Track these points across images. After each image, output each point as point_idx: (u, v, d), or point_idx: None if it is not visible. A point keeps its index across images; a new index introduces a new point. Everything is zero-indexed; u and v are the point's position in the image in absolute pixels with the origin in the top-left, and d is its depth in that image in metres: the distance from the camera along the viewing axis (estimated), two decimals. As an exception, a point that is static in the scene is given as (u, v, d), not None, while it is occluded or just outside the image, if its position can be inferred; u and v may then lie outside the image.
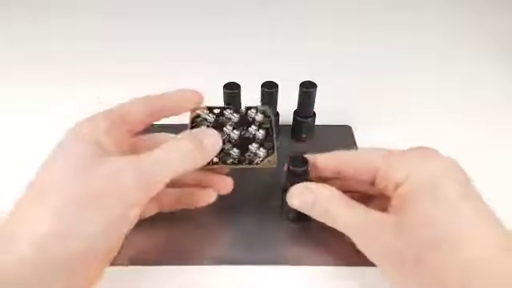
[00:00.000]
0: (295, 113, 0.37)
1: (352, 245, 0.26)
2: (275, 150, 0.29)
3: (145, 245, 0.30)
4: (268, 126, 0.31)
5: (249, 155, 0.29)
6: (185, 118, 0.34)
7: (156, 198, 0.26)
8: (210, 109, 0.32)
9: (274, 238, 0.31)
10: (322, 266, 0.29)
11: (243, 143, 0.30)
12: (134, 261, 0.29)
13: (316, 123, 0.40)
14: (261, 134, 0.30)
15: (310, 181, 0.29)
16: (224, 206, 0.32)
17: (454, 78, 0.48)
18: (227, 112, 0.32)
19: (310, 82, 0.35)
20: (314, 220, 0.28)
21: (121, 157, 0.24)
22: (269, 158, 0.29)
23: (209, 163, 0.29)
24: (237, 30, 0.56)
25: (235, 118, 0.32)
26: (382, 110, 0.43)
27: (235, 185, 0.33)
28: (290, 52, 0.52)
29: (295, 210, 0.30)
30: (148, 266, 0.29)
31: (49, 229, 0.21)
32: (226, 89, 0.34)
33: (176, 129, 0.36)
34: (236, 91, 0.34)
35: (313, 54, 0.52)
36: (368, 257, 0.26)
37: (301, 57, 0.51)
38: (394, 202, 0.25)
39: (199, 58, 0.51)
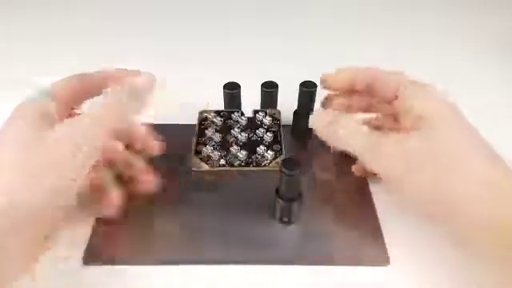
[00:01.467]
0: (295, 112, 0.37)
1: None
2: (283, 152, 0.29)
3: (143, 245, 0.30)
4: (276, 128, 0.31)
5: (256, 157, 0.29)
6: (190, 119, 0.34)
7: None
8: (218, 112, 0.32)
9: (271, 238, 0.31)
10: (321, 266, 0.29)
11: (251, 146, 0.30)
12: (132, 261, 0.29)
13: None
14: (269, 136, 0.30)
15: (300, 183, 0.29)
16: (222, 206, 0.32)
17: (453, 78, 0.48)
18: (235, 115, 0.32)
19: (311, 81, 0.35)
20: (312, 220, 0.28)
21: (59, 125, 0.25)
22: (277, 160, 0.29)
23: (216, 165, 0.29)
24: (237, 30, 0.56)
25: (243, 120, 0.32)
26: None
27: (233, 185, 0.33)
28: (289, 52, 0.52)
29: (288, 212, 0.30)
30: (146, 266, 0.29)
31: None
32: (226, 89, 0.34)
33: (181, 128, 0.36)
34: (236, 91, 0.34)
35: (313, 54, 0.52)
36: (375, 170, 0.27)
37: (301, 57, 0.51)
38: (406, 123, 0.27)
39: (199, 58, 0.51)
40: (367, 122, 0.32)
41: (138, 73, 0.29)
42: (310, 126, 0.31)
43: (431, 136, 0.26)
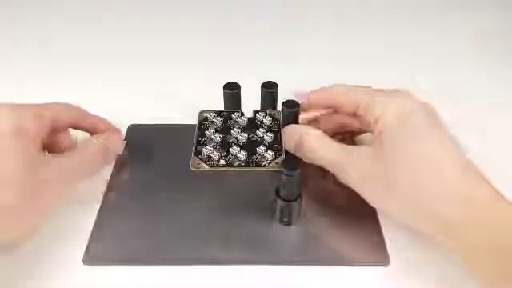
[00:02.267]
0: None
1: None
2: (283, 152, 0.29)
3: (143, 245, 0.30)
4: (276, 129, 0.31)
5: (256, 158, 0.29)
6: (190, 119, 0.34)
7: None
8: (218, 112, 0.32)
9: (271, 238, 0.31)
10: (321, 266, 0.29)
11: (251, 146, 0.30)
12: (132, 261, 0.29)
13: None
14: (269, 136, 0.30)
15: (302, 185, 0.29)
16: (222, 206, 0.32)
17: (453, 78, 0.48)
18: (235, 115, 0.32)
19: (292, 101, 0.34)
20: (312, 220, 0.28)
21: (54, 164, 0.28)
22: (277, 160, 0.29)
23: (216, 166, 0.29)
24: (237, 30, 0.56)
25: (243, 121, 0.32)
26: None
27: (233, 185, 0.33)
28: (289, 52, 0.52)
29: (288, 213, 0.30)
30: (146, 266, 0.29)
31: None
32: (226, 89, 0.34)
33: (181, 129, 0.36)
34: (236, 91, 0.34)
35: (313, 54, 0.52)
36: (351, 186, 0.28)
37: (301, 57, 0.51)
38: (374, 135, 0.28)
39: (199, 58, 0.51)
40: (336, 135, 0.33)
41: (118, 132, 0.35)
42: (282, 141, 0.32)
43: (388, 149, 0.26)
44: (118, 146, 0.34)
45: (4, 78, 0.47)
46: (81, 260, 0.29)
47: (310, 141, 0.29)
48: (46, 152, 0.30)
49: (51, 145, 0.31)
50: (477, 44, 0.54)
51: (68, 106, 0.32)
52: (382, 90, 0.31)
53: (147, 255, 0.29)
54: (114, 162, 0.35)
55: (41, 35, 0.55)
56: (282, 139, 0.31)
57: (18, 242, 0.29)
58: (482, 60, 0.51)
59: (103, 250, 0.30)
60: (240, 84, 0.35)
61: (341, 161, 0.28)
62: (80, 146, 0.32)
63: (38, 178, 0.26)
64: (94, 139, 0.32)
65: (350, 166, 0.28)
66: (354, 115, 0.30)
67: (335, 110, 0.33)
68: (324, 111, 0.34)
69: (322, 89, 0.32)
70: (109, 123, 0.35)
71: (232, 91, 0.34)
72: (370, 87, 0.32)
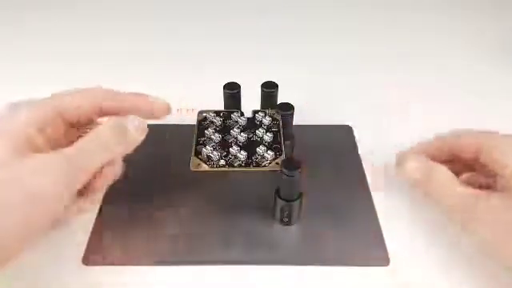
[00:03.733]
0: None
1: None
2: (283, 152, 0.29)
3: (143, 245, 0.30)
4: (276, 129, 0.31)
5: (256, 158, 0.29)
6: (190, 119, 0.34)
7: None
8: (217, 112, 0.32)
9: (271, 238, 0.31)
10: (321, 266, 0.29)
11: (251, 146, 0.30)
12: (132, 261, 0.29)
13: (316, 123, 0.40)
14: (268, 136, 0.30)
15: (302, 184, 0.29)
16: (222, 206, 0.32)
17: (454, 78, 0.48)
18: (234, 115, 0.32)
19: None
20: (312, 220, 0.28)
21: (47, 152, 0.23)
22: (277, 160, 0.29)
23: (216, 166, 0.29)
24: (237, 31, 0.56)
25: (242, 121, 0.32)
26: (382, 109, 0.43)
27: (233, 185, 0.33)
28: (290, 52, 0.52)
29: (288, 213, 0.30)
30: (146, 266, 0.29)
31: None
32: (226, 89, 0.34)
33: (181, 129, 0.36)
34: (236, 91, 0.34)
35: (313, 54, 0.52)
36: (477, 233, 0.26)
37: (301, 57, 0.51)
38: (501, 180, 0.26)
39: (199, 58, 0.51)
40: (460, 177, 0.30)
41: (165, 107, 0.29)
42: (396, 166, 0.31)
43: None
44: (142, 125, 0.27)
45: (4, 78, 0.47)
46: (81, 260, 0.29)
47: (438, 179, 0.28)
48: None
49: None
50: (477, 44, 0.54)
51: (83, 91, 0.27)
52: (495, 133, 0.29)
53: (147, 255, 0.29)
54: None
55: (40, 34, 0.55)
56: (403, 167, 0.30)
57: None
58: (482, 60, 0.51)
59: (103, 250, 0.30)
60: (240, 84, 0.35)
61: (470, 206, 0.26)
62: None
63: (19, 172, 0.22)
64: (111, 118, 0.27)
65: (480, 213, 0.26)
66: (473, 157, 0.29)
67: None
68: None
69: (439, 139, 0.31)
70: (153, 100, 0.29)
71: (232, 91, 0.34)
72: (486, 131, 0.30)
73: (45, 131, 0.25)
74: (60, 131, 0.26)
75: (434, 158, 0.30)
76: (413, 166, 0.30)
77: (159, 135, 0.38)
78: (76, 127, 0.28)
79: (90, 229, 0.31)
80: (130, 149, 0.27)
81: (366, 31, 0.57)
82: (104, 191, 0.28)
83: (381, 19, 0.59)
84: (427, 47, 0.53)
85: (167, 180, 0.34)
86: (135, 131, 0.27)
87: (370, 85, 0.47)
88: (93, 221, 0.31)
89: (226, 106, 0.35)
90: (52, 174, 0.23)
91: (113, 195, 0.33)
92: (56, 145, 0.25)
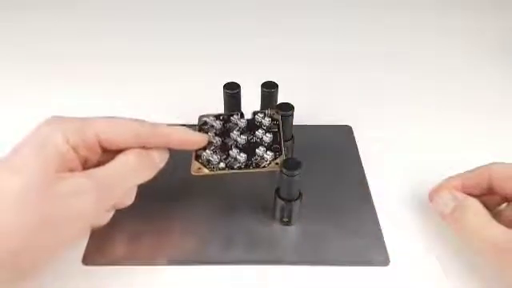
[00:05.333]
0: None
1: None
2: (283, 153, 0.29)
3: (143, 245, 0.30)
4: (276, 129, 0.31)
5: (255, 159, 0.29)
6: (190, 119, 0.34)
7: None
8: (217, 116, 0.32)
9: (271, 238, 0.31)
10: (321, 266, 0.29)
11: (250, 147, 0.30)
12: (132, 261, 0.29)
13: (316, 123, 0.40)
14: (268, 137, 0.30)
15: (301, 184, 0.29)
16: (222, 206, 0.32)
17: (454, 78, 0.48)
18: (234, 118, 0.32)
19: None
20: (312, 220, 0.28)
21: (79, 174, 0.24)
22: (276, 161, 0.29)
23: (216, 169, 0.29)
24: (237, 30, 0.56)
25: (242, 123, 0.32)
26: (382, 109, 0.43)
27: (233, 186, 0.33)
28: (289, 52, 0.52)
29: (288, 213, 0.30)
30: (146, 266, 0.29)
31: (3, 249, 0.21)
32: (226, 89, 0.34)
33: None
34: (236, 91, 0.34)
35: (313, 54, 0.52)
36: (505, 278, 0.25)
37: (301, 57, 0.51)
38: None
39: (199, 58, 0.51)
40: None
41: (200, 140, 0.29)
42: (430, 201, 0.29)
43: None
44: (163, 155, 0.28)
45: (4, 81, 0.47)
46: (81, 260, 0.29)
47: (467, 217, 0.26)
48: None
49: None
50: (477, 44, 0.54)
51: (125, 122, 0.26)
52: None
53: (147, 255, 0.29)
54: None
55: (40, 34, 0.55)
56: (434, 201, 0.29)
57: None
58: (482, 60, 0.51)
59: (103, 250, 0.30)
60: (240, 84, 0.35)
61: (507, 251, 0.24)
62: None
63: (48, 194, 0.22)
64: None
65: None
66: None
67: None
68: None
69: (462, 177, 0.29)
70: (191, 135, 0.29)
71: (232, 91, 0.34)
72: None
73: (81, 152, 0.25)
74: (95, 155, 0.26)
75: (470, 192, 0.29)
76: (443, 200, 0.28)
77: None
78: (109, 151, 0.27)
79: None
80: (152, 175, 0.28)
81: (366, 31, 0.57)
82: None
83: (381, 19, 0.59)
84: (427, 47, 0.53)
85: (167, 180, 0.34)
86: (159, 159, 0.27)
87: (370, 85, 0.47)
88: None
89: (226, 105, 0.35)
90: (86, 196, 0.23)
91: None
92: (87, 164, 0.26)
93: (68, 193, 0.23)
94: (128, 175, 0.26)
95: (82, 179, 0.23)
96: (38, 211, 0.21)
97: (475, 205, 0.27)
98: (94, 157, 0.26)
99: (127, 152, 0.26)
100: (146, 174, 0.27)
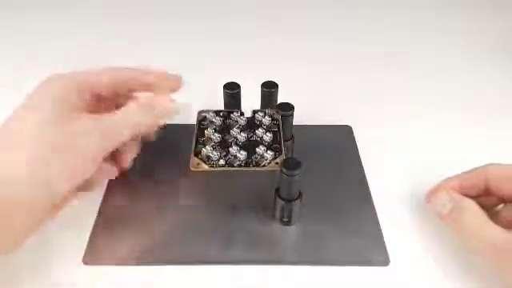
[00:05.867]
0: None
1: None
2: (283, 152, 0.29)
3: (143, 245, 0.30)
4: (276, 129, 0.31)
5: (256, 157, 0.29)
6: (190, 119, 0.34)
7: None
8: (217, 112, 0.32)
9: (271, 238, 0.31)
10: (321, 266, 0.29)
11: (250, 146, 0.30)
12: (132, 261, 0.29)
13: (316, 123, 0.40)
14: (268, 136, 0.30)
15: (301, 184, 0.29)
16: (222, 206, 0.32)
17: (454, 78, 0.48)
18: (234, 115, 0.32)
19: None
20: (312, 220, 0.28)
21: (87, 117, 0.27)
22: (276, 160, 0.29)
23: (216, 166, 0.29)
24: (237, 30, 0.56)
25: (242, 120, 0.32)
26: (382, 109, 0.43)
27: (233, 185, 0.33)
28: (289, 52, 0.52)
29: (288, 212, 0.30)
30: (146, 266, 0.29)
31: (20, 174, 0.24)
32: (226, 89, 0.34)
33: (181, 129, 0.36)
34: (236, 91, 0.34)
35: (313, 54, 0.52)
36: (504, 279, 0.25)
37: (301, 57, 0.51)
38: None
39: (199, 58, 0.51)
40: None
41: (176, 82, 0.32)
42: (427, 203, 0.29)
43: None
44: (166, 106, 0.30)
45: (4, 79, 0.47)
46: (81, 260, 0.29)
47: (465, 218, 0.27)
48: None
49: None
50: (477, 44, 0.54)
51: (103, 70, 0.31)
52: None
53: (147, 255, 0.29)
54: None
55: (40, 34, 0.55)
56: (431, 202, 0.29)
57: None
58: (482, 60, 0.51)
59: (103, 249, 0.30)
60: (240, 84, 0.35)
61: (505, 252, 0.24)
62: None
63: (66, 130, 0.26)
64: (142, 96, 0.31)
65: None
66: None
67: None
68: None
69: (459, 178, 0.30)
70: (176, 80, 0.32)
71: (232, 91, 0.34)
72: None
73: (84, 98, 0.29)
74: (88, 100, 0.29)
75: (467, 193, 0.29)
76: (441, 200, 0.28)
77: (159, 135, 0.38)
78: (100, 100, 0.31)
79: (90, 229, 0.31)
80: (151, 124, 0.31)
81: (366, 31, 0.57)
82: (130, 164, 0.32)
83: (381, 19, 0.59)
84: (427, 47, 0.53)
85: (167, 180, 0.34)
86: (159, 110, 0.30)
87: (370, 85, 0.47)
88: (93, 221, 0.31)
89: (226, 105, 0.35)
90: (94, 135, 0.27)
91: (113, 195, 0.33)
92: (86, 110, 0.29)
93: (76, 131, 0.26)
94: (129, 122, 0.28)
95: (88, 121, 0.27)
96: (50, 142, 0.25)
97: (472, 206, 0.27)
98: (92, 102, 0.29)
99: (130, 102, 0.29)
100: (146, 123, 0.30)
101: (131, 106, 0.29)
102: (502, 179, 0.28)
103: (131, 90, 0.32)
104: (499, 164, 0.29)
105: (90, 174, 0.27)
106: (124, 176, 0.32)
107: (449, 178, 0.30)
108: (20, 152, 0.24)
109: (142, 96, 0.31)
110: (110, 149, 0.28)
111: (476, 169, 0.29)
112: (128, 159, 0.32)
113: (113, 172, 0.31)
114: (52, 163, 0.25)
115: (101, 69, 0.31)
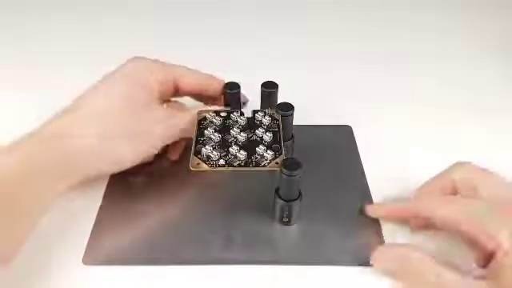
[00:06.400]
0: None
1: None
2: (283, 152, 0.29)
3: (143, 245, 0.30)
4: (276, 129, 0.31)
5: (256, 157, 0.29)
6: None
7: None
8: (217, 112, 0.32)
9: (271, 238, 0.31)
10: (321, 266, 0.29)
11: (250, 146, 0.30)
12: (132, 261, 0.29)
13: (316, 123, 0.40)
14: (268, 136, 0.30)
15: (301, 184, 0.29)
16: (222, 206, 0.32)
17: (454, 78, 0.48)
18: (234, 115, 0.32)
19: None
20: (312, 220, 0.28)
21: (161, 109, 0.32)
22: (276, 160, 0.29)
23: (216, 165, 0.29)
24: (237, 30, 0.56)
25: (242, 120, 0.32)
26: (383, 109, 0.43)
27: (233, 185, 0.33)
28: (290, 52, 0.52)
29: (288, 212, 0.30)
30: (146, 266, 0.29)
31: (93, 146, 0.29)
32: (226, 89, 0.34)
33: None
34: (236, 91, 0.34)
35: (313, 54, 0.52)
36: None
37: (301, 57, 0.51)
38: (494, 264, 0.24)
39: (199, 58, 0.51)
40: None
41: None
42: (373, 264, 0.28)
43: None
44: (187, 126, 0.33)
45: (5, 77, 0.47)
46: (81, 260, 0.29)
47: (414, 268, 0.26)
48: (163, 104, 0.34)
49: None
50: (477, 44, 0.54)
51: (194, 72, 0.35)
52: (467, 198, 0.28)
53: (147, 255, 0.29)
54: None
55: (40, 34, 0.55)
56: (376, 258, 0.28)
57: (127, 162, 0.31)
58: (482, 60, 0.51)
59: (103, 250, 0.30)
60: (240, 84, 0.35)
61: None
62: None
63: (142, 121, 0.31)
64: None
65: None
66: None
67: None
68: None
69: (406, 204, 0.30)
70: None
71: (232, 91, 0.34)
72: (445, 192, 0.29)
73: (160, 88, 0.33)
74: (168, 94, 0.35)
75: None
76: (385, 258, 0.28)
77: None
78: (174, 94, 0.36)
79: (90, 229, 0.31)
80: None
81: (366, 31, 0.57)
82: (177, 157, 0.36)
83: (381, 19, 0.59)
84: (427, 47, 0.53)
85: (167, 180, 0.34)
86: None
87: (370, 85, 0.47)
88: (93, 221, 0.31)
89: (225, 105, 0.35)
90: (164, 126, 0.32)
91: (113, 195, 0.33)
92: (162, 101, 0.34)
93: (151, 120, 0.31)
94: (191, 126, 0.32)
95: (159, 111, 0.32)
96: (126, 123, 0.30)
97: (418, 255, 0.26)
98: (167, 95, 0.34)
99: (192, 112, 0.33)
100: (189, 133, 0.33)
101: (188, 112, 0.33)
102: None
103: (204, 93, 0.35)
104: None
105: (149, 158, 0.33)
106: (124, 176, 0.32)
107: (421, 188, 0.31)
108: (92, 128, 0.29)
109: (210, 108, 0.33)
110: (167, 142, 0.33)
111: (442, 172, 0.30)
112: (177, 153, 0.36)
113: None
114: (118, 144, 0.30)
115: (182, 66, 0.35)
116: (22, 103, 0.43)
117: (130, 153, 0.31)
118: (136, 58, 0.33)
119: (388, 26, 0.57)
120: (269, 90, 0.34)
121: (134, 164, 0.31)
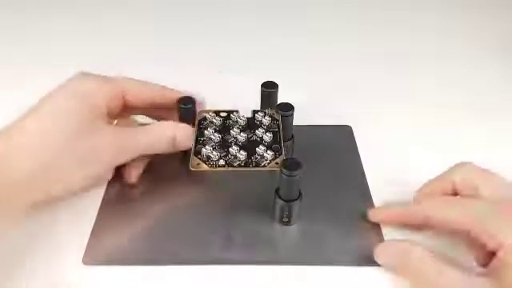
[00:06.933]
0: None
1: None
2: (283, 152, 0.29)
3: (143, 245, 0.30)
4: (276, 129, 0.31)
5: (256, 158, 0.29)
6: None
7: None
8: (217, 112, 0.32)
9: (271, 238, 0.31)
10: (321, 266, 0.29)
11: (250, 146, 0.30)
12: (132, 261, 0.29)
13: (316, 123, 0.40)
14: (268, 136, 0.30)
15: (301, 184, 0.29)
16: (222, 206, 0.32)
17: (454, 78, 0.48)
18: (234, 115, 0.32)
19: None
20: (312, 220, 0.28)
21: (109, 129, 0.29)
22: (276, 160, 0.29)
23: (215, 166, 0.29)
24: (237, 30, 0.56)
25: (242, 121, 0.32)
26: (383, 109, 0.43)
27: (233, 185, 0.33)
28: (289, 52, 0.52)
29: (288, 213, 0.30)
30: (145, 266, 0.29)
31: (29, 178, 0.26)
32: (180, 104, 0.33)
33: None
34: (190, 106, 0.32)
35: (313, 54, 0.52)
36: None
37: (301, 57, 0.51)
38: (495, 262, 0.24)
39: (199, 58, 0.51)
40: None
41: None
42: (375, 259, 0.28)
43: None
44: (187, 140, 0.32)
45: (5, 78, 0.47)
46: (81, 260, 0.29)
47: (414, 264, 0.26)
48: (113, 121, 0.33)
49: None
50: (477, 44, 0.54)
51: (143, 83, 0.33)
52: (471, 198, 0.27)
53: (147, 255, 0.29)
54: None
55: (40, 34, 0.55)
56: (379, 253, 0.28)
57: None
58: (482, 60, 0.51)
59: (103, 250, 0.30)
60: (240, 84, 0.35)
61: None
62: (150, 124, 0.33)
63: (87, 142, 0.28)
64: (166, 122, 0.32)
65: None
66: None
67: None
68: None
69: (409, 208, 0.30)
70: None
71: (186, 106, 0.33)
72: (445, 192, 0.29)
73: (110, 105, 0.31)
74: (118, 109, 0.32)
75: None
76: (387, 253, 0.28)
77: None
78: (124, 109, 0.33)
79: (90, 229, 0.31)
80: (166, 150, 0.32)
81: (366, 31, 0.57)
82: (135, 180, 0.34)
83: (381, 19, 0.59)
84: (427, 47, 0.53)
85: (167, 180, 0.34)
86: (182, 140, 0.32)
87: (370, 85, 0.47)
88: (93, 221, 0.31)
89: (180, 121, 0.34)
90: (112, 149, 0.29)
91: (113, 195, 0.33)
92: (109, 115, 0.31)
93: (96, 144, 0.28)
94: (147, 143, 0.31)
95: (110, 133, 0.29)
96: (72, 150, 0.27)
97: (420, 252, 0.26)
98: (116, 110, 0.32)
99: (153, 125, 0.32)
100: (163, 150, 0.32)
101: (154, 130, 0.31)
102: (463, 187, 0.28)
103: (156, 106, 0.33)
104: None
105: (102, 182, 0.31)
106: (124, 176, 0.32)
107: (421, 189, 0.31)
108: (26, 158, 0.26)
109: (167, 123, 0.32)
110: (122, 161, 0.31)
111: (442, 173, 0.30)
112: (134, 175, 0.33)
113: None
114: (64, 167, 0.27)
115: (129, 78, 0.33)
116: (22, 103, 0.43)
117: (79, 179, 0.29)
118: (81, 73, 0.31)
119: (388, 26, 0.57)
120: (269, 90, 0.34)
121: (86, 190, 0.30)
